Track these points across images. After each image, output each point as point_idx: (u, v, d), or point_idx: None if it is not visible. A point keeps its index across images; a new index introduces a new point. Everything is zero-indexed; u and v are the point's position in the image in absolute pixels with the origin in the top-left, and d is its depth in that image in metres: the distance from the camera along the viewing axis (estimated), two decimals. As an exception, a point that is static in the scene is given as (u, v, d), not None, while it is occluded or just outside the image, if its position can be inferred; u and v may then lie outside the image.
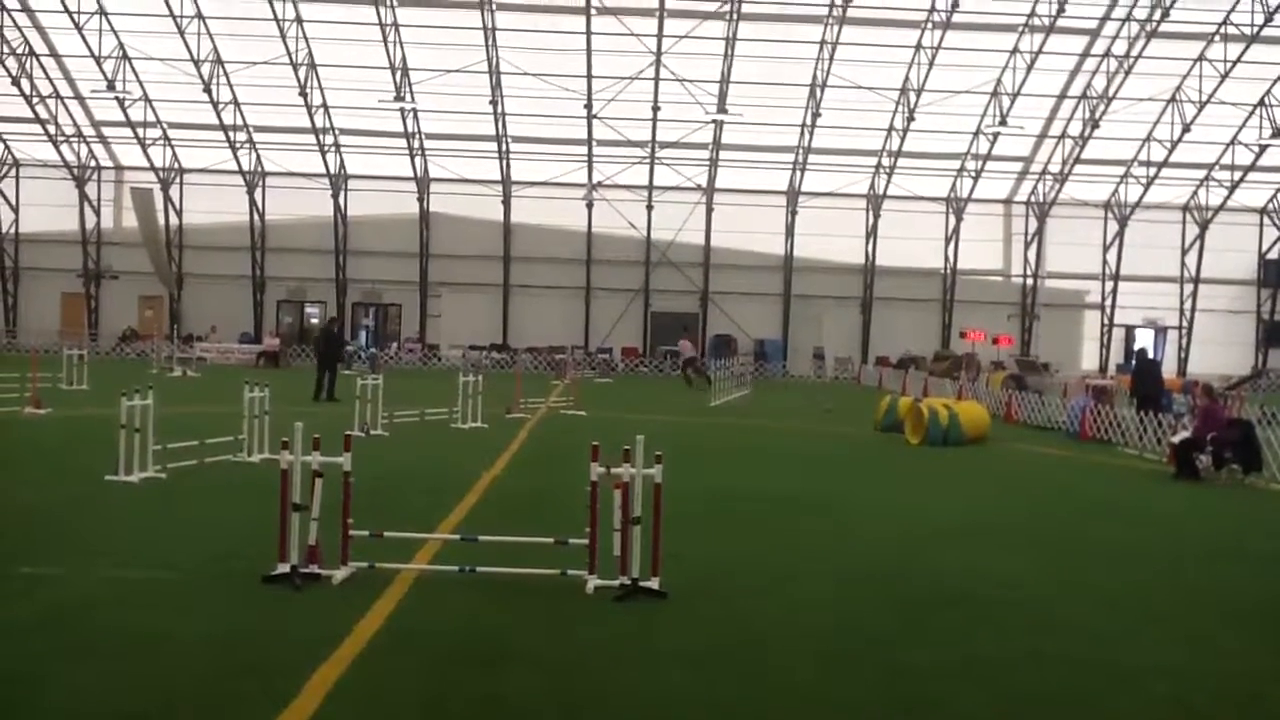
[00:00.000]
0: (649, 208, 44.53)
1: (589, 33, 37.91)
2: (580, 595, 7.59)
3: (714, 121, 40.52)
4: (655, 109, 40.53)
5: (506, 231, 44.66)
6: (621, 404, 26.33)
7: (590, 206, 44.34)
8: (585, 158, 43.55)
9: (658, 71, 39.15)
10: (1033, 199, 45.55)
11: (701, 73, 39.04)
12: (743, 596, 7.97)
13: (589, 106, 40.44)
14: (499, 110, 41.19)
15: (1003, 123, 39.98)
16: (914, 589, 8.32)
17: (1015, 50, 38.46)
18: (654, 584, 7.60)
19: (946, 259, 45.62)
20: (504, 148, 43.18)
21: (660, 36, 38.03)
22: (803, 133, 42.04)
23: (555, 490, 12.37)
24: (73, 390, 24.45)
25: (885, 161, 43.53)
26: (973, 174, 43.97)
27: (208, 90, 40.00)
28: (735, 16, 37.43)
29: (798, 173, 43.98)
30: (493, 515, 10.59)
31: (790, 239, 44.99)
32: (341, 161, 44.17)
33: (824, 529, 10.87)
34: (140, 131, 42.72)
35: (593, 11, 37.16)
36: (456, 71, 39.12)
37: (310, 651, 6.21)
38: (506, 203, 44.52)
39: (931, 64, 38.35)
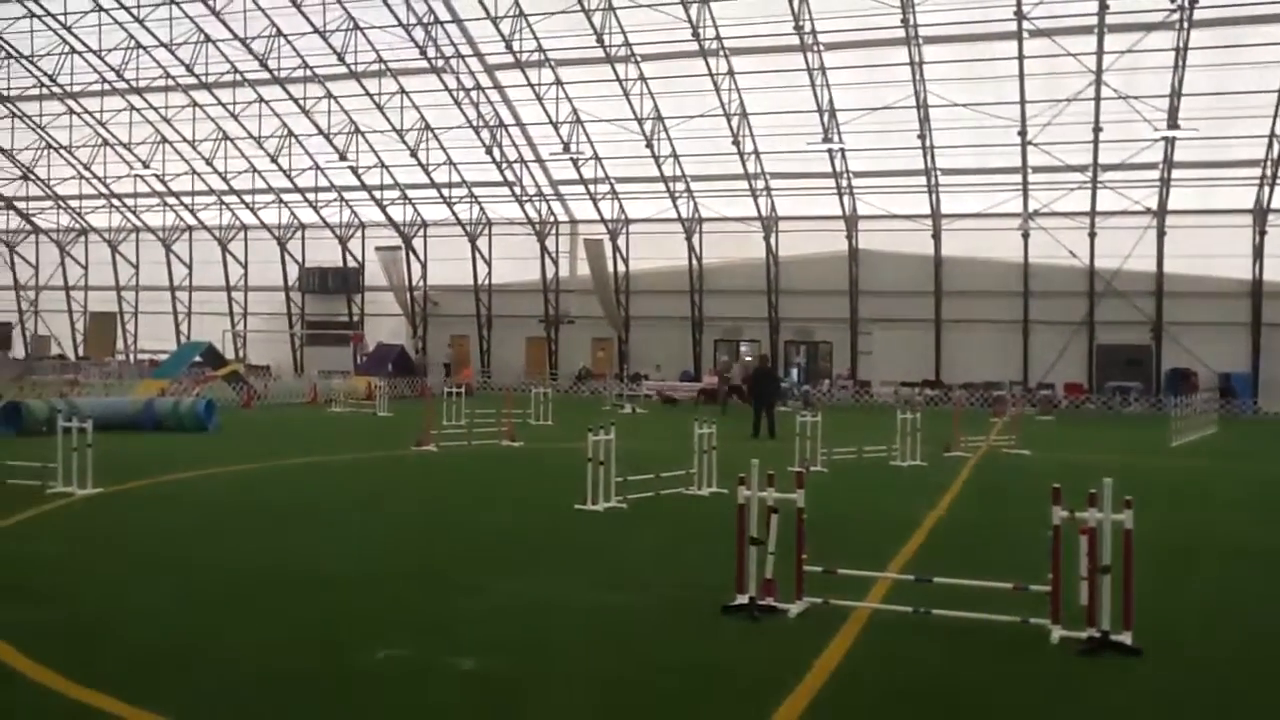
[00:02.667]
0: (1091, 235, 41.89)
1: (1021, 57, 36.48)
2: (1043, 645, 7.27)
3: (1164, 139, 37.49)
4: (1097, 130, 38.18)
5: (937, 265, 43.81)
6: (1067, 443, 24.87)
7: (1026, 236, 42.47)
8: (1019, 186, 41.84)
9: (1098, 90, 36.88)
10: None
11: (1148, 88, 36.27)
12: (1219, 659, 7.29)
13: (1023, 133, 38.84)
14: (927, 144, 40.65)
15: None
16: None
17: None
18: (1126, 638, 7.13)
19: None
20: (933, 181, 42.48)
21: (1100, 54, 35.84)
22: (1271, 144, 37.85)
23: (1006, 532, 11.96)
24: (539, 425, 26.94)
25: (1379, 169, 38.16)
26: None
27: (649, 146, 42.82)
28: (1186, 25, 34.53)
29: (1265, 188, 39.58)
30: (941, 556, 10.42)
31: (1259, 261, 40.51)
32: (772, 204, 45.48)
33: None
34: (591, 188, 46.52)
35: (1025, 35, 35.79)
36: (883, 109, 39.13)
37: (772, 684, 6.41)
38: (936, 236, 43.70)
39: None
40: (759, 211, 45.19)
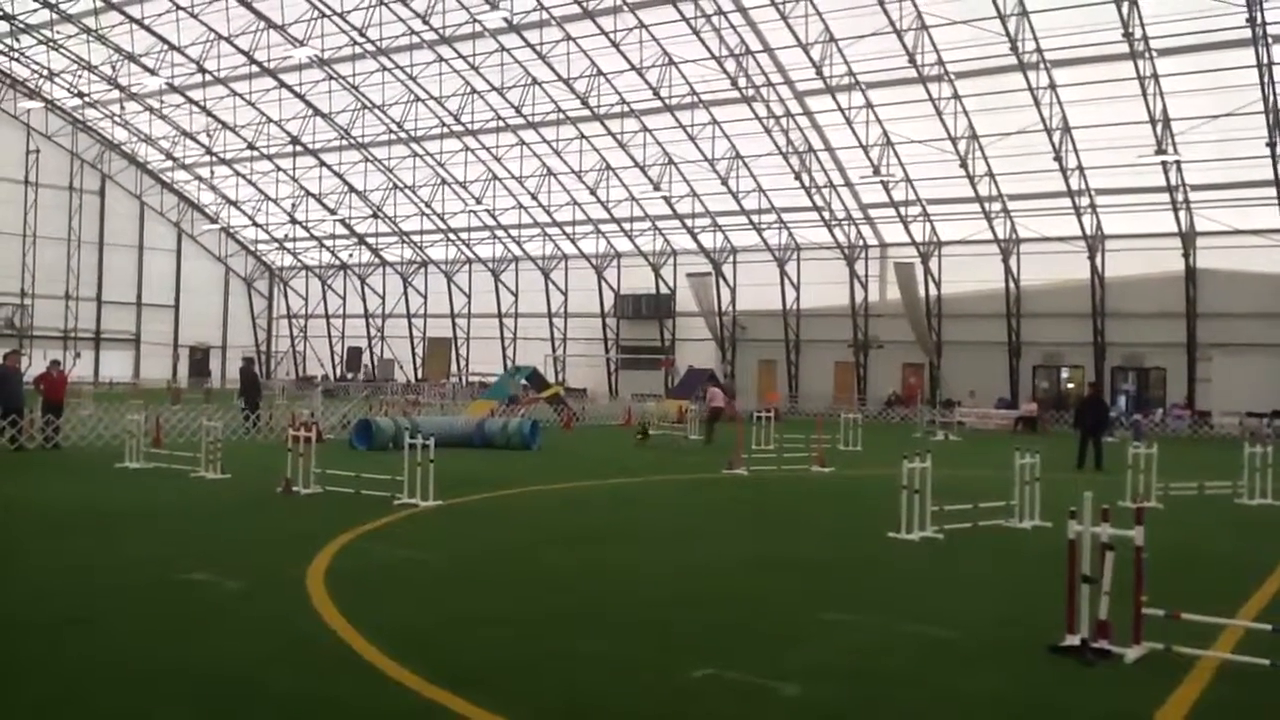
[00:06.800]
0: None
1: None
2: None
3: None
4: None
5: (1290, 284, 39.90)
6: None
7: (1400, 250, 37.95)
8: (1396, 193, 37.43)
9: None
10: None
11: None
12: None
13: (1397, 134, 34.78)
14: (1278, 151, 37.11)
15: None
16: None
17: None
18: None
19: None
20: (1285, 192, 38.74)
21: None
22: None
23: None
24: (849, 451, 26.67)
25: None
26: None
27: (964, 165, 41.57)
28: None
29: None
30: (1301, 605, 9.49)
31: None
32: (1098, 222, 42.96)
33: None
34: (902, 210, 45.69)
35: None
36: (1225, 116, 36.11)
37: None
38: (1290, 252, 39.81)
39: None
40: (1083, 230, 42.83)
